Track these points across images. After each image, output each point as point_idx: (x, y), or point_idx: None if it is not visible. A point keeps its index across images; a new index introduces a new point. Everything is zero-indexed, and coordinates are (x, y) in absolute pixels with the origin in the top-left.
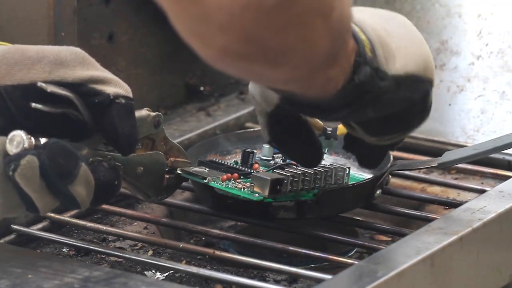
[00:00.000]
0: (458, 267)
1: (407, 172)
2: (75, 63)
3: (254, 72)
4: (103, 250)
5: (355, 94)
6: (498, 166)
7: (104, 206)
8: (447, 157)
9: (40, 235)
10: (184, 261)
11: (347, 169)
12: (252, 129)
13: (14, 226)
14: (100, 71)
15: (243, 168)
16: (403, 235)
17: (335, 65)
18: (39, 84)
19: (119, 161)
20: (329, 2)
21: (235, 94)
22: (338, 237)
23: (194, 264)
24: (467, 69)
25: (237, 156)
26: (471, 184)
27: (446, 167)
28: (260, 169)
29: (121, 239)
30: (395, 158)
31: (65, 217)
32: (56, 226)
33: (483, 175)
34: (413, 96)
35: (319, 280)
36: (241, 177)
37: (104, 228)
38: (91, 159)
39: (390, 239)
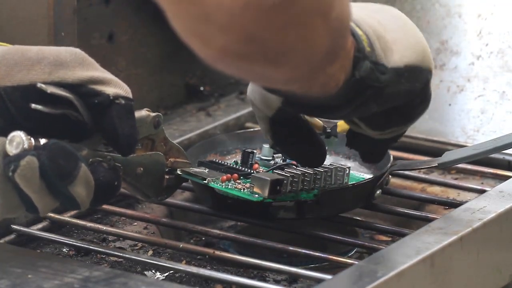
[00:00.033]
0: (458, 267)
1: (407, 172)
2: (75, 64)
3: (254, 72)
4: (103, 250)
5: (357, 90)
6: (498, 166)
7: (104, 206)
8: (447, 157)
9: (40, 235)
10: (184, 261)
11: (347, 169)
12: (252, 129)
13: (14, 226)
14: (99, 72)
15: (243, 168)
16: (403, 235)
17: (335, 62)
18: (39, 85)
19: (119, 161)
20: (328, 2)
21: (235, 94)
22: (338, 237)
23: (194, 264)
24: (467, 69)
25: (237, 156)
26: (471, 184)
27: (446, 167)
28: (260, 169)
29: (121, 239)
30: (395, 158)
31: (65, 217)
32: (56, 226)
33: (483, 175)
34: (414, 86)
35: (319, 280)
36: (241, 177)
37: (104, 228)
38: (91, 160)
39: (390, 239)
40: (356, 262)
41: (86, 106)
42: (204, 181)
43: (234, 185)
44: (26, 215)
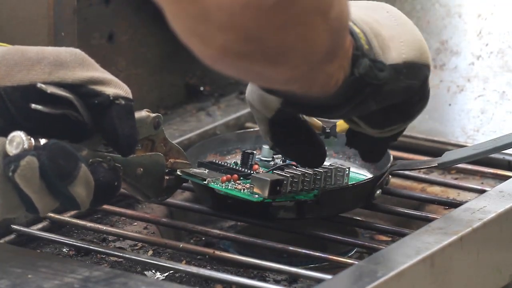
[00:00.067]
0: (458, 267)
1: (407, 172)
2: (75, 64)
3: (254, 72)
4: (103, 250)
5: (356, 88)
6: (498, 166)
7: (104, 206)
8: (447, 157)
9: (40, 235)
10: (184, 261)
11: (347, 169)
12: (252, 129)
13: (14, 226)
14: (99, 72)
15: (243, 169)
16: (403, 235)
17: (335, 61)
18: (39, 85)
19: (119, 162)
20: (328, 1)
21: (235, 94)
22: (338, 237)
23: (194, 264)
24: (467, 69)
25: (237, 157)
26: (471, 184)
27: (446, 167)
28: (260, 170)
29: (121, 239)
30: (395, 158)
31: (65, 217)
32: (56, 226)
33: (483, 175)
34: (412, 83)
35: (319, 280)
36: (241, 178)
37: (104, 228)
38: (91, 160)
39: (390, 239)
40: (356, 262)
41: (86, 106)
42: (204, 182)
43: (234, 186)
44: (26, 215)
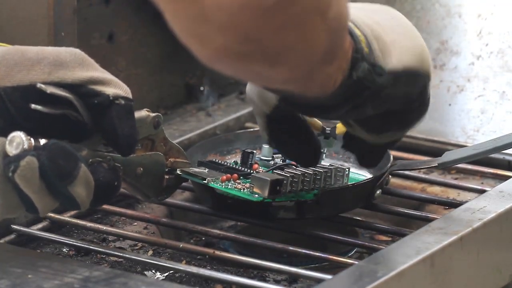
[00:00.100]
0: (458, 267)
1: (407, 172)
2: (75, 64)
3: (253, 72)
4: (103, 250)
5: (353, 91)
6: (498, 166)
7: (104, 206)
8: (447, 157)
9: (40, 235)
10: (184, 261)
11: (347, 169)
12: (252, 129)
13: (14, 226)
14: (99, 72)
15: (243, 169)
16: (403, 235)
17: (333, 62)
18: (39, 85)
19: (118, 161)
20: (326, 1)
21: (235, 94)
22: (338, 237)
23: (194, 264)
24: (467, 69)
25: (237, 156)
26: (471, 184)
27: (446, 167)
28: (260, 169)
29: (121, 239)
30: (395, 158)
31: (65, 217)
32: (56, 226)
33: (483, 175)
34: (411, 90)
35: (319, 280)
36: (241, 177)
37: (104, 228)
38: (90, 160)
39: (390, 239)
40: (356, 262)
41: (86, 106)
42: (204, 181)
43: (234, 185)
44: (26, 215)
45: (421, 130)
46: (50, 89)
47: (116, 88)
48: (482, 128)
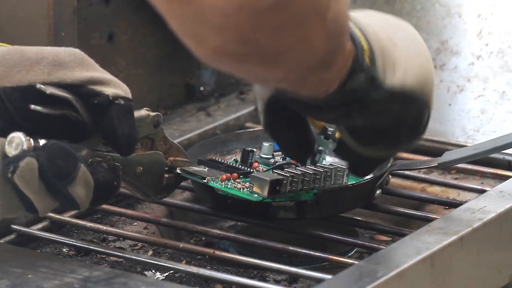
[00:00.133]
0: (458, 267)
1: (407, 172)
2: (74, 64)
3: (249, 72)
4: (103, 250)
5: (345, 100)
6: (498, 166)
7: (104, 206)
8: (447, 157)
9: (40, 235)
10: (184, 261)
11: (347, 169)
12: (252, 129)
13: (14, 226)
14: (99, 72)
15: (243, 167)
16: (403, 235)
17: (330, 68)
18: (38, 85)
19: (118, 161)
20: (324, 3)
21: (235, 94)
22: (338, 237)
23: (194, 264)
24: (467, 69)
25: (237, 156)
26: (471, 184)
27: (446, 167)
28: (260, 167)
29: (121, 239)
30: (395, 158)
31: (65, 217)
32: (56, 226)
33: (483, 175)
34: (403, 113)
35: (319, 280)
36: (241, 176)
37: (104, 228)
38: (90, 160)
39: (390, 239)
40: (356, 262)
41: (86, 106)
42: (204, 180)
43: (233, 185)
44: (26, 215)
45: None
46: (50, 90)
47: (115, 88)
48: (482, 128)
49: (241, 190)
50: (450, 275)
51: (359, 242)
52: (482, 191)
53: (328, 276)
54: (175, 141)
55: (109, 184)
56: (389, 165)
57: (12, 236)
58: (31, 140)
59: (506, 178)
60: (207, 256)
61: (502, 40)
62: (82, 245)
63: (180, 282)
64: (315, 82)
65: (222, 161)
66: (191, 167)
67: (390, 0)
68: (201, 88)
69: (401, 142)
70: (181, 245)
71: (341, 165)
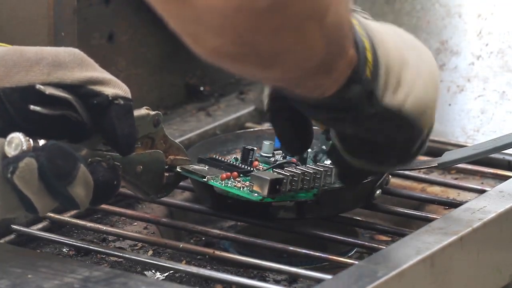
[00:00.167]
0: (458, 267)
1: (407, 172)
2: (74, 64)
3: (247, 71)
4: (103, 250)
5: (338, 107)
6: (498, 166)
7: (104, 206)
8: (447, 157)
9: (40, 235)
10: (184, 261)
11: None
12: (252, 129)
13: (14, 226)
14: (98, 72)
15: (243, 166)
16: (403, 235)
17: (328, 74)
18: (38, 86)
19: (118, 160)
20: (323, 6)
21: (235, 94)
22: (338, 237)
23: (194, 264)
24: (467, 69)
25: (237, 156)
26: (471, 184)
27: (446, 167)
28: (260, 166)
29: (121, 239)
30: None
31: (65, 217)
32: (56, 226)
33: (483, 175)
34: (395, 134)
35: (319, 280)
36: (241, 175)
37: (104, 228)
38: (90, 160)
39: (390, 239)
40: (356, 262)
41: (85, 106)
42: (204, 179)
43: (233, 183)
44: (26, 215)
45: None
46: (49, 90)
47: (115, 88)
48: (482, 128)
49: (241, 189)
50: (450, 275)
51: (359, 242)
52: (482, 191)
53: (328, 276)
54: (175, 141)
55: (109, 184)
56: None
57: (12, 236)
58: (31, 140)
59: (506, 178)
60: (207, 256)
61: (502, 40)
62: (82, 245)
63: (180, 282)
64: (310, 86)
65: (223, 159)
66: (191, 165)
67: (390, 0)
68: (201, 88)
69: (389, 161)
70: (181, 245)
71: None
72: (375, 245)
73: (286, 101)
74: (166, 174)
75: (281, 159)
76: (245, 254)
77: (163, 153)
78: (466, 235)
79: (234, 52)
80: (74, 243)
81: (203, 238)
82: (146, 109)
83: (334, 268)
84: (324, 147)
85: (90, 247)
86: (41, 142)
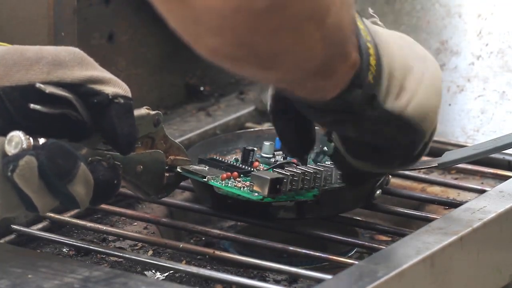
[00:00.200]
0: (458, 267)
1: (407, 172)
2: (74, 63)
3: (246, 72)
4: (103, 250)
5: (340, 110)
6: (498, 166)
7: (104, 206)
8: (447, 157)
9: (40, 235)
10: (184, 261)
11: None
12: (252, 129)
13: (14, 226)
14: (98, 71)
15: (243, 166)
16: (403, 235)
17: (329, 77)
18: (38, 85)
19: (118, 160)
20: (323, 7)
21: (235, 94)
22: (338, 237)
23: (194, 264)
24: (467, 69)
25: (237, 156)
26: (471, 184)
27: (446, 167)
28: (261, 166)
29: (121, 239)
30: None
31: (65, 217)
32: (56, 226)
33: (483, 175)
34: (397, 137)
35: (319, 280)
36: (241, 175)
37: (104, 228)
38: (90, 159)
39: (390, 239)
40: (356, 262)
41: (85, 105)
42: (204, 179)
43: (234, 183)
44: (26, 214)
45: None
46: (49, 89)
47: (115, 87)
48: (482, 128)
49: (241, 189)
50: (450, 275)
51: (359, 242)
52: (482, 191)
53: (328, 276)
54: (175, 141)
55: (109, 183)
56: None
57: (12, 236)
58: (31, 139)
59: (506, 178)
60: (207, 256)
61: (502, 40)
62: (82, 245)
63: (180, 282)
64: (312, 87)
65: (223, 160)
66: (191, 166)
67: (390, 0)
68: (201, 88)
69: (391, 163)
70: (181, 245)
71: None
72: (375, 245)
73: (288, 103)
74: (167, 174)
75: (282, 160)
76: (245, 254)
77: (164, 153)
78: (466, 235)
79: (233, 52)
80: (74, 243)
81: (203, 238)
82: (146, 109)
83: (334, 268)
84: (325, 148)
85: (90, 247)
86: (41, 140)
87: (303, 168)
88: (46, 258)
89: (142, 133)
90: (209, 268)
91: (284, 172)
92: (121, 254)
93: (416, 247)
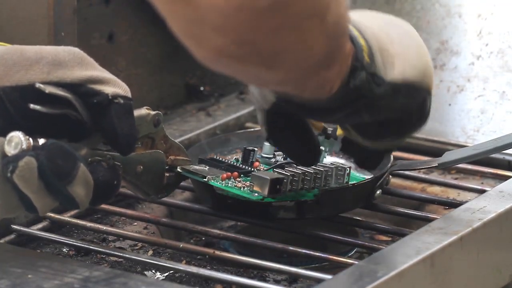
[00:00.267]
0: (458, 267)
1: (407, 172)
2: (74, 63)
3: (249, 73)
4: (103, 250)
5: (350, 98)
6: (498, 166)
7: (104, 206)
8: (447, 157)
9: (40, 235)
10: (184, 261)
11: (348, 168)
12: (252, 129)
13: (14, 226)
14: (98, 71)
15: (244, 166)
16: (403, 235)
17: (331, 68)
18: (37, 85)
19: (118, 160)
20: (324, 4)
21: (235, 94)
22: (338, 237)
23: (194, 264)
24: (467, 69)
25: (237, 156)
26: (471, 184)
27: (446, 167)
28: (261, 166)
29: (121, 239)
30: (395, 158)
31: (65, 217)
32: (56, 226)
33: (483, 175)
34: (409, 103)
35: (319, 280)
36: (241, 175)
37: (104, 228)
38: (90, 159)
39: (390, 239)
40: (356, 262)
41: (85, 105)
42: (204, 179)
43: (234, 183)
44: (26, 215)
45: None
46: (49, 89)
47: (115, 87)
48: (482, 128)
49: (242, 189)
50: (450, 275)
51: (359, 242)
52: (482, 191)
53: (328, 276)
54: (176, 141)
55: (109, 184)
56: (389, 165)
57: (12, 236)
58: (30, 139)
59: (506, 178)
60: (207, 256)
61: (502, 40)
62: (82, 245)
63: (180, 282)
64: (317, 83)
65: (223, 160)
66: (191, 166)
67: (390, 0)
68: (201, 88)
69: (409, 131)
70: (181, 245)
71: (342, 164)
72: (375, 245)
73: (283, 120)
74: (167, 174)
75: (282, 160)
76: (245, 254)
77: (164, 153)
78: (466, 235)
79: (236, 51)
80: (74, 243)
81: (203, 238)
82: (146, 109)
83: (334, 268)
84: (322, 148)
85: (90, 247)
86: (41, 141)
87: (303, 168)
88: (46, 258)
89: (142, 133)
90: (209, 268)
91: (284, 172)
92: (121, 254)
93: (416, 247)
